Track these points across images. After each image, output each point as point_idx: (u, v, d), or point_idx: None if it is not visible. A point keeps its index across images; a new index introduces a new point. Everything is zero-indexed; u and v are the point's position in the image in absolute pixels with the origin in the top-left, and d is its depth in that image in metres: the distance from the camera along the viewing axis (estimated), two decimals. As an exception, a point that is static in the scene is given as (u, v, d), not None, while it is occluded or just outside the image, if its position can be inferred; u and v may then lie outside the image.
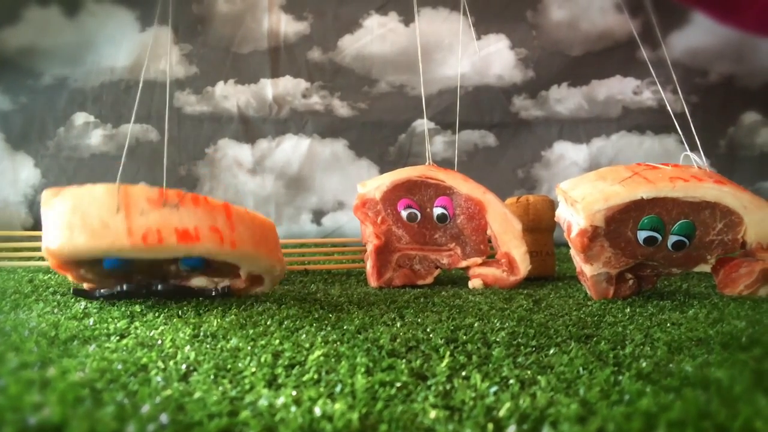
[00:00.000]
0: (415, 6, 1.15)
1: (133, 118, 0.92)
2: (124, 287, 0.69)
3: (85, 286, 0.71)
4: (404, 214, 0.89)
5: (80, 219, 0.63)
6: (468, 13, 0.98)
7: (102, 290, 0.70)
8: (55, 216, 0.63)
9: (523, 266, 0.88)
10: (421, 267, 0.91)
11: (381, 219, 0.89)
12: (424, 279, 0.91)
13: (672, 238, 0.76)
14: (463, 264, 0.90)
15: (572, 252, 0.82)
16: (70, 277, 0.70)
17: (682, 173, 0.78)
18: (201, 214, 0.67)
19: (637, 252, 0.76)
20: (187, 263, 0.69)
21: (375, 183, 0.91)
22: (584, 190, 0.78)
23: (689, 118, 0.84)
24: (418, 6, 1.74)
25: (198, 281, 0.74)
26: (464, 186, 0.90)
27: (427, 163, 0.94)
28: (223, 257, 0.69)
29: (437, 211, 0.90)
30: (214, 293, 0.74)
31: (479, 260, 0.90)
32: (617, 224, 0.75)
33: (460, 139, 1.76)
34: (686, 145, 0.83)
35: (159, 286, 0.70)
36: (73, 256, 0.63)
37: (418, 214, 0.90)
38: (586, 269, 0.77)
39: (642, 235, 0.75)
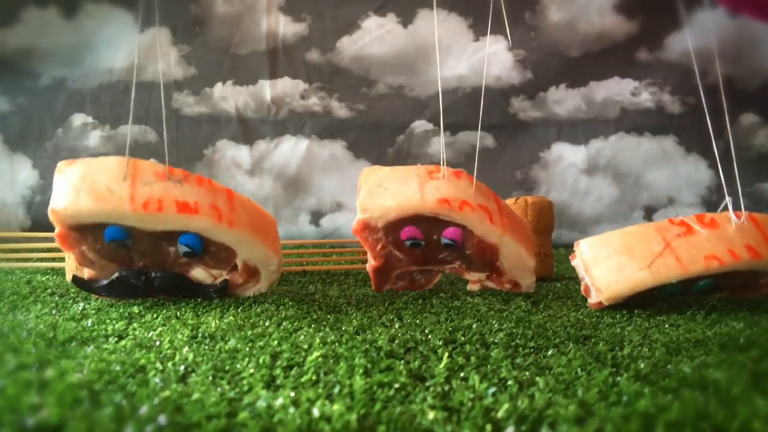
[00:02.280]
0: (435, 9, 1.13)
1: (131, 120, 0.92)
2: (123, 273, 0.70)
3: (86, 274, 0.71)
4: (407, 242, 0.80)
5: (88, 185, 0.66)
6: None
7: (101, 281, 0.70)
8: (66, 181, 0.67)
9: (527, 289, 0.84)
10: (422, 276, 0.86)
11: (381, 245, 0.81)
12: (425, 287, 0.87)
13: (691, 292, 0.72)
14: (467, 276, 0.85)
15: (577, 271, 0.78)
16: (72, 258, 0.70)
17: (718, 246, 0.69)
18: (203, 192, 0.70)
19: (649, 302, 0.74)
20: (185, 241, 0.70)
21: (377, 211, 0.78)
22: (608, 272, 0.70)
23: (708, 117, 0.78)
24: (416, 7, 1.74)
25: (197, 273, 0.74)
26: (479, 228, 0.78)
27: (440, 174, 0.80)
28: (220, 236, 0.70)
29: (444, 240, 0.80)
30: (211, 290, 0.74)
31: (483, 276, 0.85)
32: (637, 295, 0.71)
33: (458, 140, 1.76)
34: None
35: (158, 274, 0.71)
36: (76, 217, 0.66)
37: (422, 243, 0.80)
38: (590, 302, 0.75)
39: (662, 295, 0.72)
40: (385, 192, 0.78)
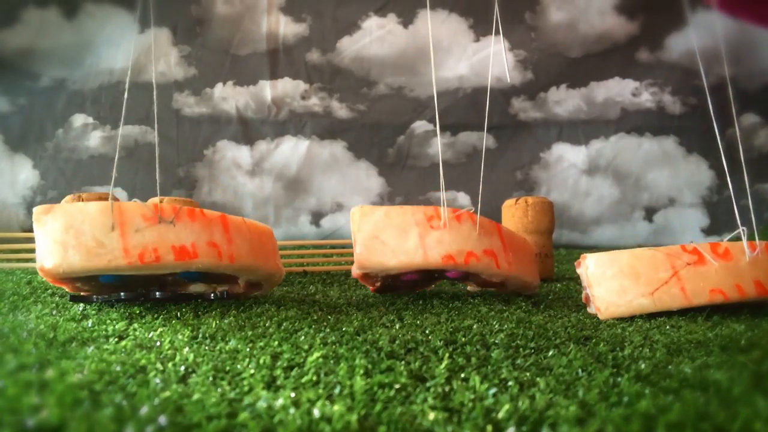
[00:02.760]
0: (428, 9, 1.14)
1: (123, 121, 0.91)
2: (122, 296, 0.69)
3: (82, 292, 0.71)
4: (407, 279, 0.78)
5: (74, 238, 0.61)
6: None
7: (100, 296, 0.70)
8: (48, 235, 0.62)
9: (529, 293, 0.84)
10: (423, 282, 0.84)
11: (380, 284, 0.79)
12: (425, 288, 0.86)
13: None
14: (469, 288, 0.86)
15: (581, 279, 0.76)
16: (66, 288, 0.70)
17: (726, 280, 0.68)
18: (198, 229, 0.67)
19: None
20: (185, 276, 0.69)
21: (377, 268, 0.73)
22: (610, 293, 0.69)
23: (711, 117, 0.78)
24: (416, 8, 1.74)
25: (196, 287, 0.73)
26: (486, 273, 0.76)
27: (441, 223, 0.74)
28: (222, 270, 0.69)
29: (448, 277, 0.80)
30: (213, 296, 0.74)
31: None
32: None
33: (458, 140, 1.76)
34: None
35: (157, 294, 0.70)
36: (69, 275, 0.62)
37: (421, 280, 0.80)
38: (590, 311, 0.74)
39: None
40: (384, 247, 0.73)
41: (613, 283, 0.70)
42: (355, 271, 0.75)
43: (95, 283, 0.68)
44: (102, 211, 0.63)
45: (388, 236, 0.73)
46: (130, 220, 0.64)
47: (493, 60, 1.77)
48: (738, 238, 0.72)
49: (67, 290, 0.70)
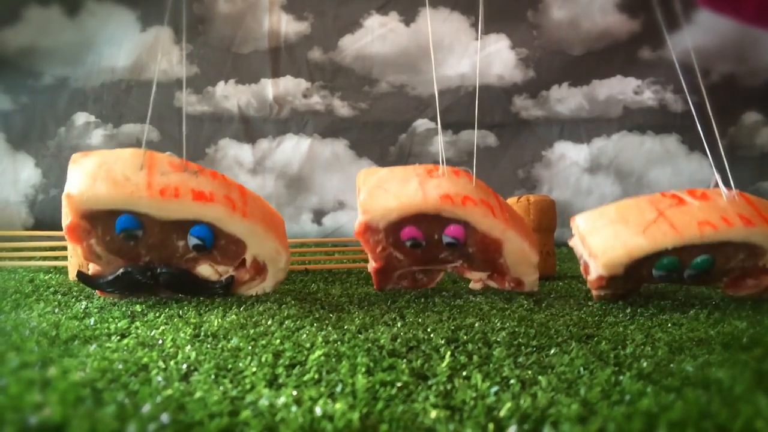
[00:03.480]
0: (427, 7, 1.14)
1: (150, 114, 0.92)
2: (129, 268, 0.70)
3: (91, 270, 0.71)
4: (407, 243, 0.78)
5: (105, 172, 0.67)
6: (479, 10, 0.94)
7: (106, 277, 0.71)
8: (81, 169, 0.67)
9: (530, 287, 0.83)
10: (424, 275, 0.85)
11: (381, 247, 0.79)
12: (427, 285, 0.86)
13: (689, 272, 0.71)
14: (469, 275, 0.85)
15: (577, 252, 0.79)
16: (75, 257, 0.70)
17: (711, 214, 0.70)
18: (217, 185, 0.72)
19: (648, 282, 0.75)
20: (196, 233, 0.70)
21: (380, 212, 0.76)
22: (604, 239, 0.71)
23: (703, 117, 0.79)
24: (418, 6, 1.74)
25: (203, 269, 0.74)
26: (483, 223, 0.77)
27: (440, 171, 0.80)
28: (233, 227, 0.71)
29: (446, 239, 0.78)
30: (217, 286, 0.74)
31: (485, 275, 0.84)
32: (635, 267, 0.71)
33: (460, 139, 1.76)
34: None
35: (164, 269, 0.71)
36: (92, 203, 0.66)
37: (423, 243, 0.78)
38: (593, 292, 0.75)
39: (658, 273, 0.71)
40: (386, 193, 0.77)
41: (606, 230, 0.72)
42: (359, 220, 0.77)
43: (110, 239, 0.68)
44: (134, 155, 0.70)
45: (391, 185, 0.78)
46: (158, 165, 0.70)
47: (493, 58, 1.77)
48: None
49: (79, 252, 0.70)
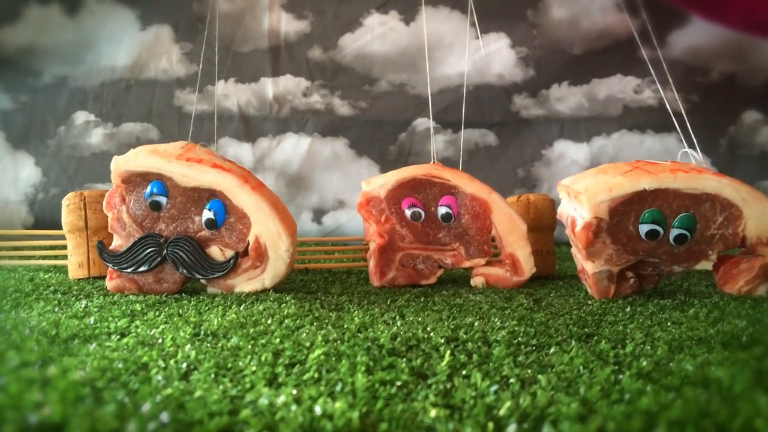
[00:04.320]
0: (423, 6, 1.14)
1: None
2: (144, 236, 0.78)
3: (113, 245, 0.80)
4: (408, 212, 0.88)
5: (152, 148, 0.80)
6: (472, 10, 0.97)
7: (122, 250, 0.79)
8: (132, 151, 0.80)
9: (528, 267, 0.87)
10: (425, 267, 0.89)
11: (385, 217, 0.88)
12: (428, 279, 0.89)
13: (673, 232, 0.76)
14: (467, 264, 0.89)
15: (573, 250, 0.82)
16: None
17: (682, 166, 0.79)
18: (236, 168, 0.82)
19: (638, 248, 0.76)
20: (211, 206, 0.78)
21: (380, 181, 0.90)
22: (587, 182, 0.79)
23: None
24: (418, 5, 1.74)
25: (212, 251, 0.80)
26: (469, 185, 0.89)
27: (431, 161, 0.94)
28: (241, 198, 0.78)
29: (442, 210, 0.88)
30: (222, 266, 0.78)
31: (482, 261, 0.88)
32: (620, 217, 0.76)
33: (459, 138, 1.76)
34: (685, 144, 0.83)
35: (176, 240, 0.78)
36: (132, 165, 0.79)
37: (422, 214, 0.88)
38: (587, 267, 0.77)
39: (644, 228, 0.76)
40: (386, 173, 0.91)
41: (589, 178, 0.80)
42: (362, 191, 0.90)
43: (138, 205, 0.79)
44: (180, 144, 0.83)
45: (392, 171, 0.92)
46: (195, 150, 0.83)
47: (493, 57, 1.76)
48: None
49: (110, 219, 0.80)
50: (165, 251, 0.78)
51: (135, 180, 0.79)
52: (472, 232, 0.88)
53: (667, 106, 0.88)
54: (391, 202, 0.89)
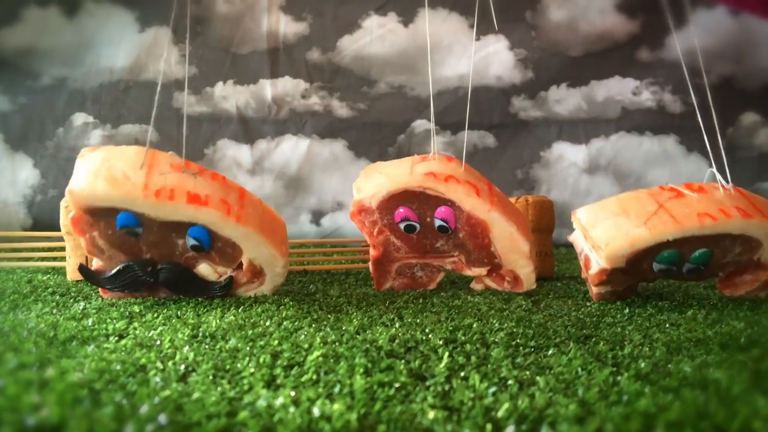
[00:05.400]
0: (426, 7, 1.14)
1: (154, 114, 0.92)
2: (130, 263, 0.71)
3: (94, 265, 0.73)
4: (402, 226, 0.81)
5: (106, 170, 0.69)
6: (476, 12, 0.94)
7: (107, 272, 0.71)
8: (85, 165, 0.69)
9: (528, 283, 0.83)
10: (423, 274, 0.85)
11: (378, 229, 0.82)
12: (426, 286, 0.86)
13: (688, 266, 0.73)
14: (467, 272, 0.84)
15: (582, 272, 0.79)
16: (83, 243, 0.72)
17: (709, 206, 0.71)
18: (216, 187, 0.72)
19: (649, 277, 0.75)
20: (193, 234, 0.70)
21: (371, 190, 0.81)
22: (606, 231, 0.73)
23: (712, 116, 0.79)
24: (417, 7, 1.74)
25: (203, 269, 0.74)
26: (467, 202, 0.79)
27: (431, 153, 0.84)
28: (227, 231, 0.71)
29: (438, 222, 0.80)
30: (216, 287, 0.74)
31: (484, 271, 0.84)
32: (636, 260, 0.72)
33: (458, 139, 1.76)
34: (710, 158, 0.78)
35: (164, 266, 0.72)
36: (90, 200, 0.68)
37: (417, 226, 0.81)
38: (593, 289, 0.76)
39: (658, 266, 0.72)
40: (380, 174, 0.82)
41: (608, 222, 0.73)
42: (354, 200, 0.82)
43: (112, 233, 0.70)
44: (138, 153, 0.71)
45: (385, 168, 0.83)
46: (159, 164, 0.71)
47: (492, 59, 1.77)
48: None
49: (83, 245, 0.71)
50: (157, 277, 0.73)
51: (99, 211, 0.69)
52: (470, 246, 0.82)
53: (695, 108, 0.82)
54: (384, 213, 0.82)
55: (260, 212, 0.75)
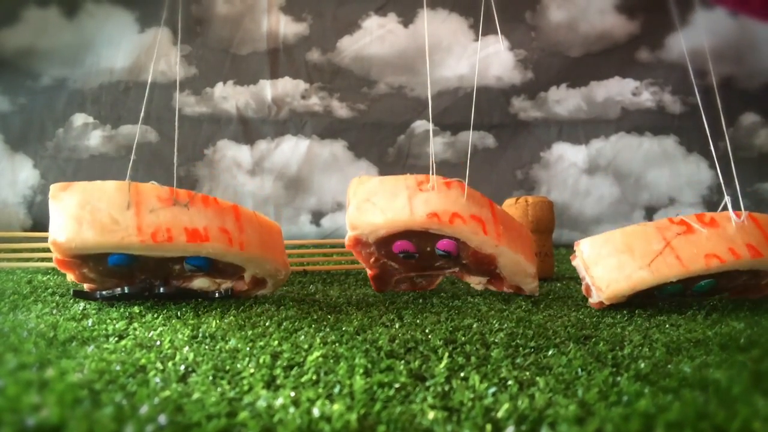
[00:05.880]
0: (425, 8, 1.13)
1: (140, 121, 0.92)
2: (125, 290, 0.69)
3: (86, 287, 0.71)
4: (400, 255, 0.77)
5: (89, 214, 0.62)
6: (481, 12, 0.91)
7: (102, 292, 0.70)
8: (63, 209, 0.63)
9: (530, 293, 0.82)
10: (423, 279, 0.84)
11: (374, 259, 0.78)
12: (426, 288, 0.85)
13: (691, 292, 0.72)
14: (469, 280, 0.84)
15: (578, 271, 0.78)
16: (70, 277, 0.69)
17: (718, 245, 0.68)
18: (211, 215, 0.68)
19: (651, 302, 0.75)
20: (192, 263, 0.69)
21: (368, 228, 0.74)
22: (608, 272, 0.70)
23: (704, 116, 0.79)
24: (417, 7, 1.74)
25: (200, 282, 0.73)
26: (474, 240, 0.74)
27: (429, 185, 0.75)
28: (231, 259, 0.70)
29: (439, 252, 0.76)
30: (216, 295, 0.74)
31: (484, 280, 0.83)
32: (638, 294, 0.71)
33: (458, 140, 1.76)
34: (710, 158, 0.79)
35: (161, 289, 0.71)
36: (81, 250, 0.63)
37: (416, 255, 0.77)
38: (593, 302, 0.74)
39: (662, 295, 0.72)
40: (374, 207, 0.75)
41: (610, 260, 0.71)
42: (348, 235, 0.76)
43: (103, 268, 0.67)
44: (119, 190, 0.65)
45: (379, 199, 0.75)
46: (146, 200, 0.65)
47: (491, 59, 1.77)
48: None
49: (71, 280, 0.68)
50: (154, 297, 0.71)
51: (88, 255, 0.65)
52: (473, 267, 0.79)
53: (701, 110, 0.78)
54: (381, 246, 0.77)
55: (258, 228, 0.72)
